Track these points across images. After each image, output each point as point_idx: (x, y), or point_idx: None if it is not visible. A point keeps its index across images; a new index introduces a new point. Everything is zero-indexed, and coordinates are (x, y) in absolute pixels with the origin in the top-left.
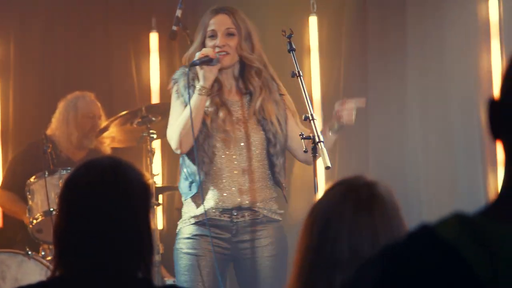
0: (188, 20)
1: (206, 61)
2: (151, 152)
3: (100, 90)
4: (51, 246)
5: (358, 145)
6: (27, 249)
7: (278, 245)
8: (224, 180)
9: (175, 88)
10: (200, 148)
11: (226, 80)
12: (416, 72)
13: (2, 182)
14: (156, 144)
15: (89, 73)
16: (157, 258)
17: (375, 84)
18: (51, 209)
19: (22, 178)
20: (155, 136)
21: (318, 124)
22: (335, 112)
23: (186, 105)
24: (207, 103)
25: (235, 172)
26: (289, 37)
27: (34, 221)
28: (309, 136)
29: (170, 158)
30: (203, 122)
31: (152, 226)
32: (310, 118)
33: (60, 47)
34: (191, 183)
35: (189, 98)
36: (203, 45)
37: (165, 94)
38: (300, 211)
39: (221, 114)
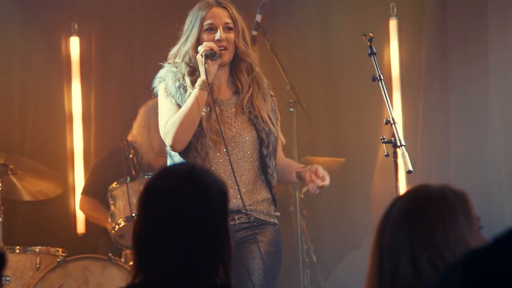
0: (267, 25)
1: (211, 55)
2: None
3: None
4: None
5: (440, 150)
6: (110, 254)
7: (269, 247)
8: None
9: (162, 86)
10: (192, 148)
11: (217, 79)
12: (498, 77)
13: (84, 188)
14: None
15: None
16: None
17: (456, 87)
18: (133, 215)
19: (104, 184)
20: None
21: (399, 128)
22: (306, 175)
23: (177, 103)
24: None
25: (227, 173)
26: (370, 40)
27: (116, 227)
28: (390, 140)
29: None
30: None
31: (230, 229)
32: (391, 122)
33: (141, 52)
34: None
35: (211, 92)
36: (199, 38)
37: None
38: (381, 215)
39: (213, 114)
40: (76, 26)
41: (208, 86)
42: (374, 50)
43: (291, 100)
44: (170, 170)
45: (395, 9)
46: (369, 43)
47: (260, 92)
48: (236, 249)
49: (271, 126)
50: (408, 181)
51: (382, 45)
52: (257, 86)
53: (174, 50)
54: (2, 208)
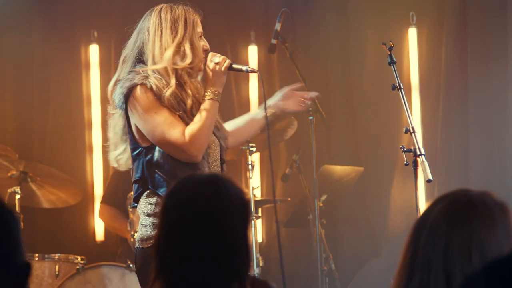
0: (286, 33)
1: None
2: (251, 165)
3: None
4: None
5: (459, 159)
6: (129, 262)
7: None
8: None
9: (148, 94)
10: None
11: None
12: None
13: (103, 197)
14: (255, 158)
15: None
16: (257, 271)
17: (475, 95)
18: None
19: (123, 192)
20: (254, 149)
21: (418, 136)
22: (285, 96)
23: (173, 113)
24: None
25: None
26: (390, 49)
27: (135, 234)
28: (410, 149)
29: (269, 171)
30: None
31: (250, 240)
32: (411, 131)
33: None
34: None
35: (265, 105)
36: (193, 41)
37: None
38: (400, 224)
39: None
40: (95, 34)
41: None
42: (394, 59)
43: (310, 109)
44: (192, 178)
45: (414, 17)
46: (389, 52)
47: None
48: None
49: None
50: (428, 190)
51: (401, 53)
52: None
53: (166, 55)
54: (22, 215)
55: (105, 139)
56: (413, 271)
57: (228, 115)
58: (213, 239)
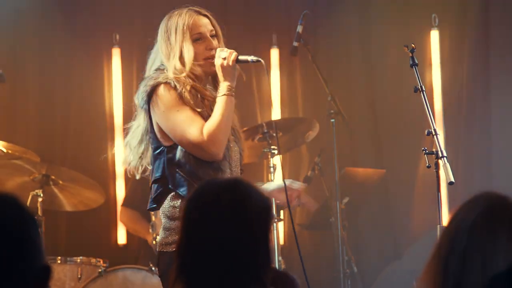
0: (308, 36)
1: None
2: (273, 168)
3: None
4: None
5: (481, 161)
6: (151, 265)
7: None
8: None
9: (171, 93)
10: (225, 158)
11: (205, 87)
12: None
13: (124, 200)
14: (277, 160)
15: None
16: None
17: (498, 98)
18: None
19: (144, 195)
20: (276, 151)
21: (440, 139)
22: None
23: (195, 111)
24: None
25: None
26: (412, 51)
27: (158, 237)
28: (432, 152)
29: (291, 174)
30: None
31: (271, 243)
32: (433, 133)
33: None
34: None
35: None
36: (193, 49)
37: (285, 109)
38: (422, 227)
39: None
40: (117, 37)
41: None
42: (416, 61)
43: (332, 111)
44: (213, 182)
45: (436, 20)
46: (411, 54)
47: None
48: None
49: (240, 137)
50: (450, 192)
51: (423, 56)
52: None
53: (169, 65)
54: (44, 218)
55: None
56: (447, 275)
57: (250, 113)
58: (233, 243)
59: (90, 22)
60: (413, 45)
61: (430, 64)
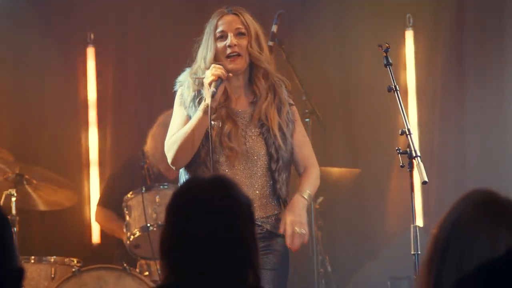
0: (283, 35)
1: (220, 84)
2: None
3: None
4: (148, 262)
5: (456, 160)
6: (125, 265)
7: (281, 258)
8: None
9: (179, 91)
10: (202, 163)
11: (235, 89)
12: None
13: (100, 200)
14: None
15: None
16: None
17: (472, 97)
18: (148, 225)
19: (119, 194)
20: None
21: (414, 138)
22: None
23: (188, 116)
24: (213, 116)
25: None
26: (386, 51)
27: (132, 237)
28: (406, 151)
29: None
30: (206, 136)
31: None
32: (407, 133)
33: (157, 61)
34: None
35: (210, 117)
36: (214, 48)
37: None
38: (397, 226)
39: (226, 128)
40: (92, 36)
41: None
42: (390, 61)
43: (306, 111)
44: (199, 178)
45: (411, 19)
46: (385, 54)
47: (276, 101)
48: None
49: (281, 141)
50: (424, 192)
51: (398, 55)
52: (273, 95)
53: (195, 66)
54: (17, 218)
55: (101, 141)
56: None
57: None
58: (221, 234)
59: (64, 20)
60: (387, 45)
61: (405, 64)
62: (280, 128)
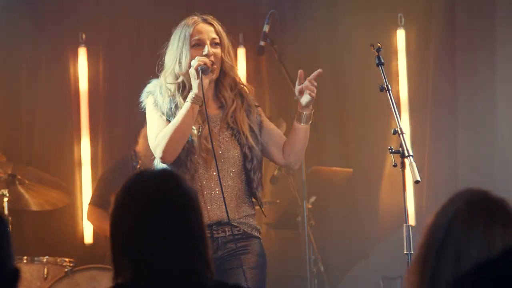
0: (275, 35)
1: (204, 70)
2: None
3: None
4: None
5: (447, 160)
6: None
7: (258, 258)
8: (204, 197)
9: (151, 100)
10: (182, 164)
11: (205, 94)
12: (506, 87)
13: (92, 199)
14: None
15: None
16: None
17: (464, 97)
18: None
19: (111, 194)
20: None
21: (406, 138)
22: (301, 91)
23: (167, 119)
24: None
25: (215, 189)
26: (378, 51)
27: None
28: (398, 150)
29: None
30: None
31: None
32: (399, 132)
33: (149, 62)
34: None
35: (205, 104)
36: (191, 54)
37: None
38: (389, 225)
39: (204, 131)
40: (84, 36)
41: (204, 101)
42: (382, 60)
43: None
44: (146, 172)
45: (402, 19)
46: (377, 53)
47: (244, 105)
48: (227, 260)
49: (253, 142)
50: (416, 191)
51: (390, 55)
52: (240, 100)
53: (167, 71)
54: (10, 218)
55: (93, 141)
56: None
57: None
58: (180, 225)
59: (56, 20)
60: (379, 44)
61: (397, 64)
62: (251, 129)
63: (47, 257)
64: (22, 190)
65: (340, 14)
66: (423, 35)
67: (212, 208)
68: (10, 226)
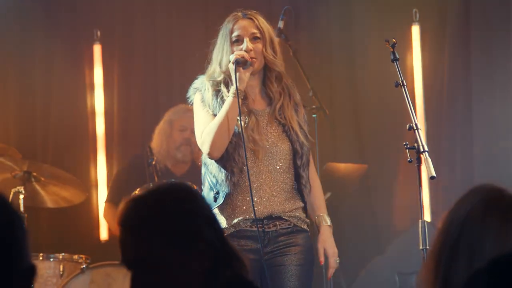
0: (289, 31)
1: (243, 63)
2: None
3: None
4: None
5: (463, 156)
6: None
7: (306, 254)
8: (254, 191)
9: (198, 96)
10: (230, 158)
11: (251, 88)
12: None
13: (108, 196)
14: None
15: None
16: None
17: (479, 92)
18: None
19: (127, 191)
20: None
21: (422, 133)
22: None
23: (214, 114)
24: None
25: (265, 182)
26: (393, 46)
27: None
28: (413, 146)
29: None
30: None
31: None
32: (414, 128)
33: (163, 58)
34: (216, 193)
35: (238, 99)
36: (231, 51)
37: None
38: (404, 221)
39: (250, 123)
40: (98, 33)
41: (237, 93)
42: (397, 56)
43: (313, 106)
44: (162, 187)
45: (417, 15)
46: (391, 49)
47: (292, 102)
48: (276, 255)
49: (303, 138)
50: (431, 187)
51: (405, 51)
52: (288, 96)
53: (210, 69)
54: (26, 215)
55: (108, 138)
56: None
57: None
58: (196, 232)
59: (71, 18)
60: (394, 40)
61: (412, 59)
62: (301, 127)
63: (63, 254)
64: (37, 187)
65: (354, 10)
66: (438, 30)
67: (262, 202)
68: (26, 223)
